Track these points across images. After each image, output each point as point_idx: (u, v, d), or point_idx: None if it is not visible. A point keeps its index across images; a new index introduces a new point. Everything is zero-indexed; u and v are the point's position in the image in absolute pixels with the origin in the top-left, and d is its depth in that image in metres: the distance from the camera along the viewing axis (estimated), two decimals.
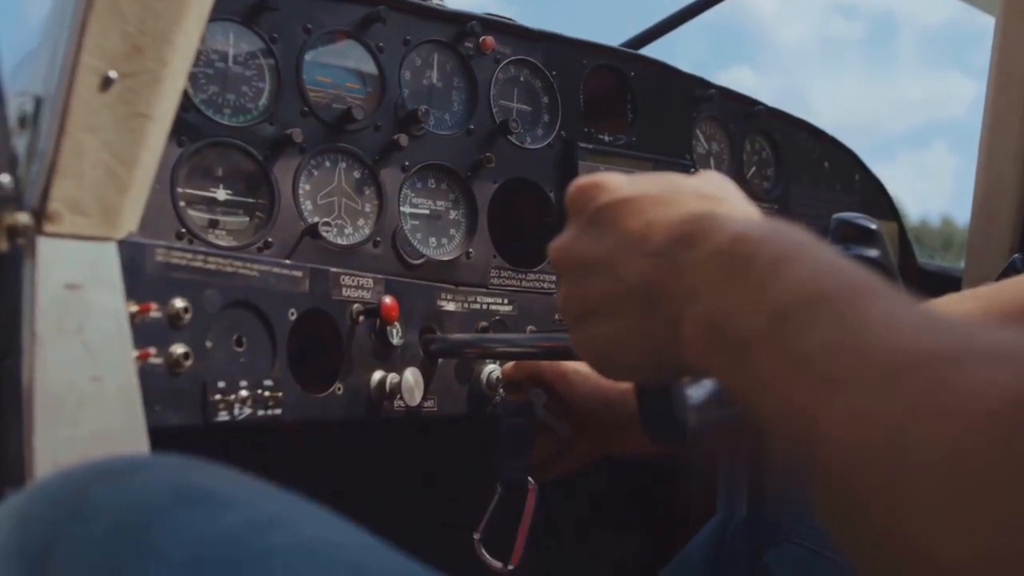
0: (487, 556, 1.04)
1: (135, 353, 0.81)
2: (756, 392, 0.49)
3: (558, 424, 1.06)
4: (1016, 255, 1.27)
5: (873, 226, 0.94)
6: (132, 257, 0.83)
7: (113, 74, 0.79)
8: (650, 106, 1.48)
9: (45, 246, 0.77)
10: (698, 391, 0.73)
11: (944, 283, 1.62)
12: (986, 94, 1.75)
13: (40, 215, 0.77)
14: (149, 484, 0.53)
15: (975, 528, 0.35)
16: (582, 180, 0.68)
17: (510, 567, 1.04)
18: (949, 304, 0.93)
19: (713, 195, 0.64)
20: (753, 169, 1.67)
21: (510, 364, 1.13)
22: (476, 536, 1.04)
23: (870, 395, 0.41)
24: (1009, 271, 1.26)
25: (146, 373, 0.84)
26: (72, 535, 0.51)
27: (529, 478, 1.05)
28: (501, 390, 1.15)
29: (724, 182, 0.67)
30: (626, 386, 0.95)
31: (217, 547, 0.47)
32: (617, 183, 0.65)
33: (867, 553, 0.41)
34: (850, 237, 0.94)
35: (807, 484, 0.46)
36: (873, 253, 0.93)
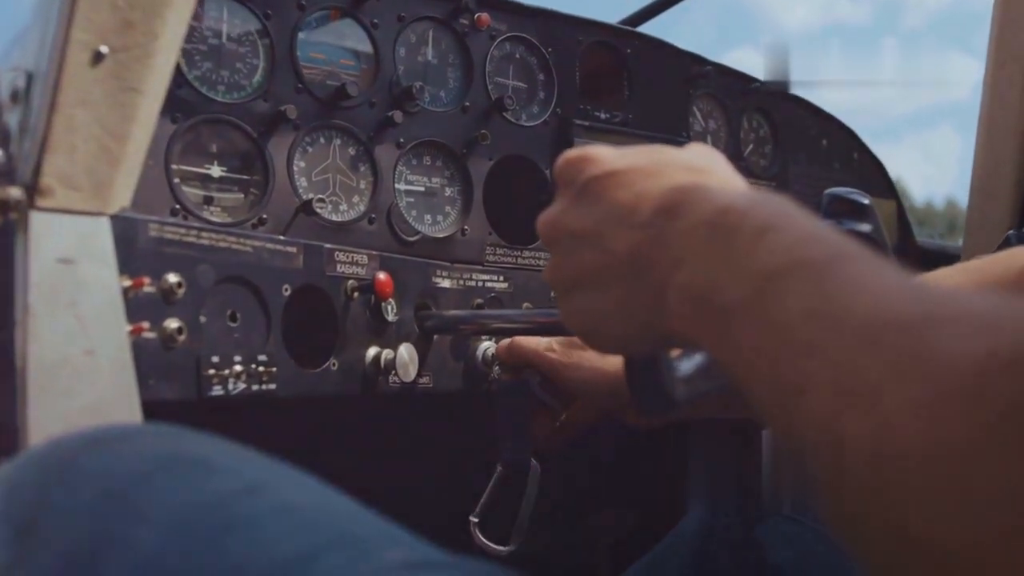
0: (483, 540, 1.04)
1: (128, 327, 0.82)
2: (739, 360, 0.49)
3: (553, 401, 1.06)
4: (1011, 231, 1.27)
5: (865, 201, 0.94)
6: (125, 232, 0.84)
7: (104, 49, 0.79)
8: (647, 83, 1.48)
9: (38, 221, 0.77)
10: (687, 363, 0.74)
11: (943, 261, 1.62)
12: (985, 71, 1.74)
13: (32, 190, 0.77)
14: (137, 451, 0.54)
15: (950, 487, 0.35)
16: (571, 153, 0.68)
17: (510, 548, 1.05)
18: (941, 277, 0.93)
19: (700, 167, 0.64)
20: (751, 147, 1.66)
21: (503, 346, 1.13)
22: (473, 519, 1.04)
23: (847, 358, 0.41)
24: (1004, 248, 1.26)
25: (140, 347, 0.84)
26: (60, 501, 0.51)
27: (532, 459, 1.05)
28: (496, 368, 1.16)
29: (712, 154, 0.68)
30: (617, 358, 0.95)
31: (202, 511, 0.48)
32: (605, 156, 0.65)
33: (851, 519, 0.41)
34: (842, 212, 0.94)
35: (793, 454, 0.46)
36: (865, 228, 0.93)
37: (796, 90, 1.81)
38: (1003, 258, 0.94)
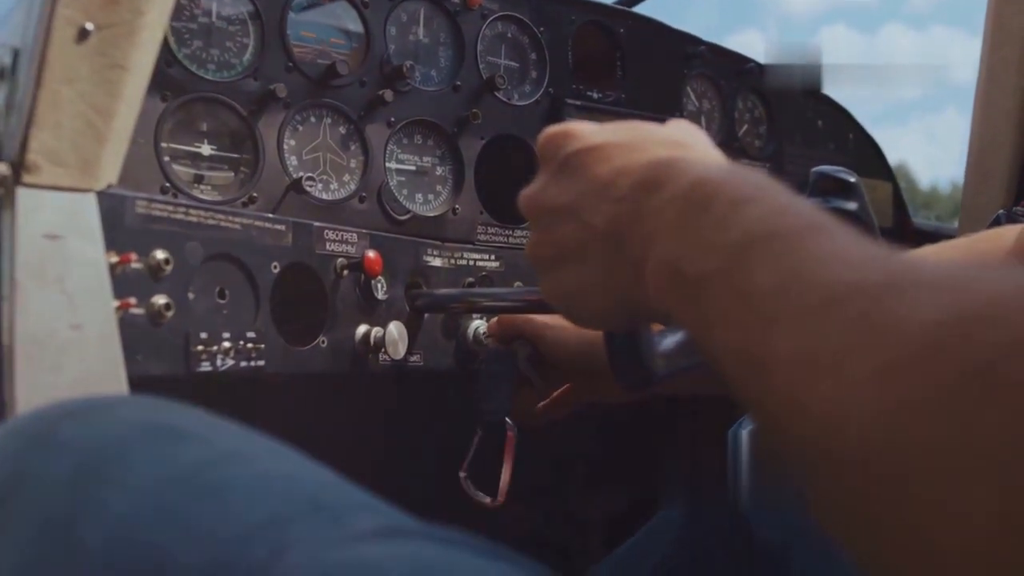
0: (474, 490, 1.05)
1: (115, 303, 0.82)
2: (710, 333, 0.50)
3: (537, 377, 1.07)
4: (1001, 211, 1.27)
5: (852, 179, 0.94)
6: (112, 208, 0.84)
7: (89, 25, 0.79)
8: (640, 63, 1.48)
9: (24, 197, 0.78)
10: (667, 338, 0.74)
11: (937, 242, 1.62)
12: (981, 51, 1.74)
13: (19, 166, 0.78)
14: (114, 422, 0.55)
15: (912, 452, 0.35)
16: (552, 129, 0.68)
17: (498, 501, 1.04)
18: (928, 254, 0.93)
19: (680, 142, 0.65)
20: (745, 127, 1.66)
21: (494, 321, 1.14)
22: (462, 474, 1.06)
23: (810, 325, 0.41)
24: (993, 227, 1.26)
25: (127, 323, 0.85)
26: (38, 471, 0.52)
27: (507, 419, 1.05)
28: (487, 342, 1.16)
29: (692, 129, 0.68)
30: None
31: (176, 479, 0.49)
32: (586, 131, 0.66)
33: (820, 491, 0.41)
34: (829, 190, 0.94)
35: (762, 428, 0.46)
36: (852, 206, 0.93)
37: (828, 90, 1.82)
38: (990, 236, 0.95)
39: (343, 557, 0.43)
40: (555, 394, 1.09)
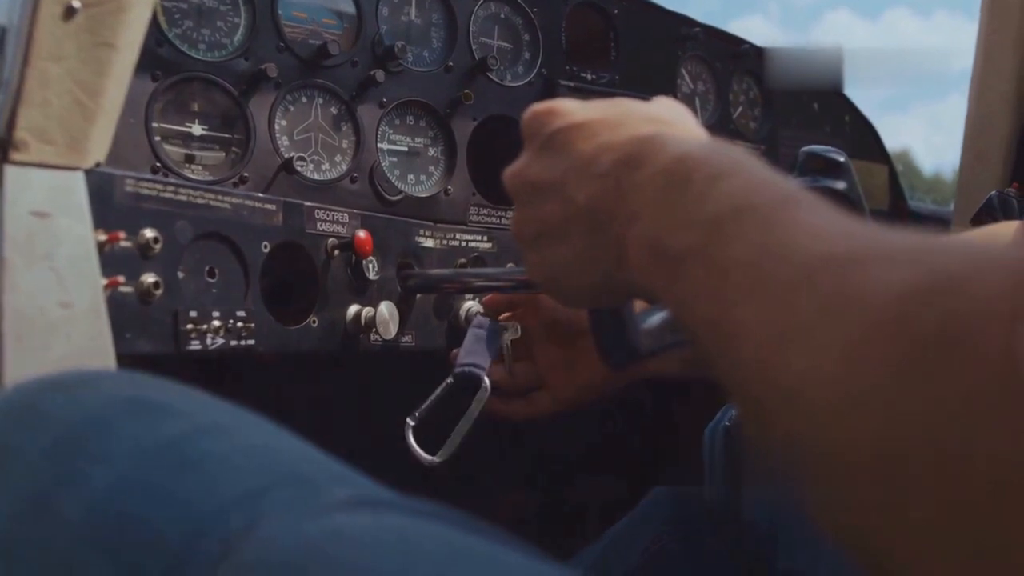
0: (413, 443, 1.01)
1: (104, 281, 0.82)
2: (687, 307, 0.50)
3: (511, 361, 1.06)
4: (993, 193, 1.27)
5: (840, 158, 0.94)
6: (100, 187, 0.84)
7: (76, 3, 0.79)
8: (634, 44, 1.47)
9: (12, 174, 0.78)
10: (652, 316, 0.75)
11: (935, 226, 1.62)
12: (978, 34, 1.74)
13: (6, 143, 0.78)
14: (96, 396, 0.55)
15: (868, 407, 0.36)
16: (537, 106, 0.69)
17: (437, 460, 1.01)
18: None
19: (663, 119, 0.65)
20: (740, 109, 1.66)
21: (491, 299, 1.14)
22: (409, 421, 1.02)
23: (781, 298, 0.42)
24: (986, 208, 1.26)
25: (116, 301, 0.85)
26: (19, 445, 0.52)
27: (484, 378, 1.03)
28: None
29: (675, 106, 0.68)
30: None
31: (156, 452, 0.49)
32: (570, 108, 0.66)
33: (787, 458, 0.42)
34: (818, 169, 0.94)
35: (732, 402, 0.47)
36: (840, 185, 0.94)
37: (848, 91, 1.82)
38: (985, 234, 0.95)
39: (318, 527, 0.43)
40: (530, 396, 1.09)
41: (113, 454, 0.49)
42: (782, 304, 0.42)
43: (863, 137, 1.87)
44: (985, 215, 1.25)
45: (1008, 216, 1.24)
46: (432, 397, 1.04)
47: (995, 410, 0.32)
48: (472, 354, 1.05)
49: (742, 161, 0.53)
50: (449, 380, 1.04)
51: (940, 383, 0.34)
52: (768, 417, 0.42)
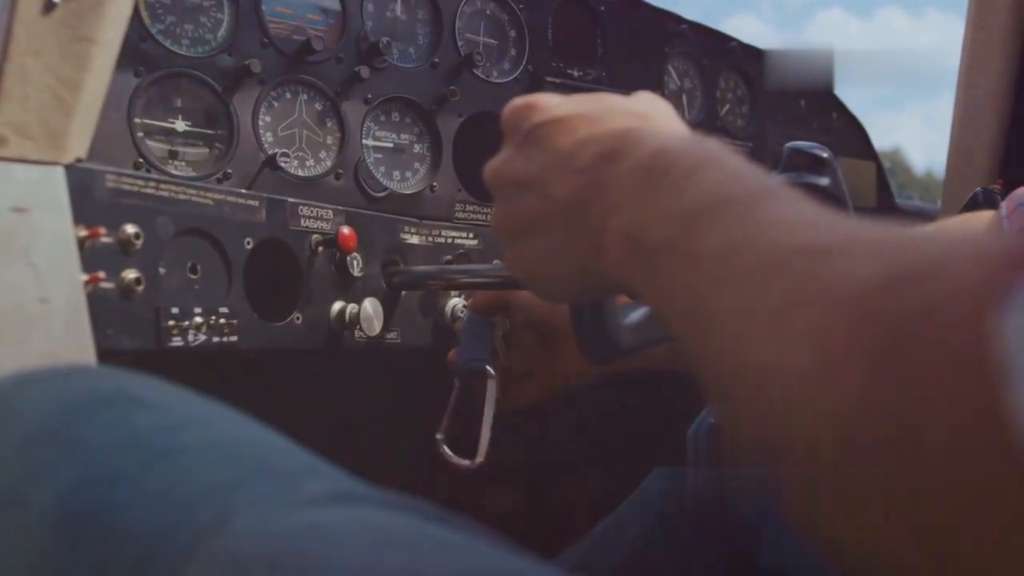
0: (450, 454, 1.01)
1: (84, 276, 0.82)
2: (665, 300, 0.50)
3: (506, 354, 1.05)
4: (978, 189, 1.27)
5: (824, 154, 0.94)
6: (81, 182, 0.84)
7: None
8: (620, 41, 1.47)
9: None
10: (634, 311, 0.74)
11: (921, 223, 1.62)
12: (965, 30, 1.74)
13: None
14: (69, 390, 0.55)
15: (837, 398, 0.36)
16: (517, 101, 0.69)
17: (477, 461, 1.00)
18: None
19: (642, 113, 0.65)
20: (727, 106, 1.66)
21: (479, 293, 1.13)
22: (439, 436, 1.02)
23: (752, 289, 0.42)
24: (971, 204, 1.26)
25: (97, 297, 0.85)
26: None
27: (488, 367, 1.01)
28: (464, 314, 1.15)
29: (656, 101, 0.68)
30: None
31: (129, 445, 0.49)
32: (550, 103, 0.66)
33: (757, 448, 0.42)
34: (802, 165, 0.94)
35: (706, 392, 0.47)
36: (824, 181, 0.94)
37: (839, 92, 1.82)
38: (959, 221, 0.95)
39: (291, 521, 0.43)
40: (529, 382, 1.09)
41: (84, 446, 0.49)
42: (753, 293, 0.42)
43: (851, 134, 1.88)
44: (970, 212, 1.25)
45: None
46: (450, 407, 1.03)
47: (964, 399, 0.32)
48: (470, 349, 1.03)
49: (720, 154, 0.53)
50: (457, 384, 1.03)
51: (909, 373, 0.34)
52: (740, 408, 0.43)
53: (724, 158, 0.52)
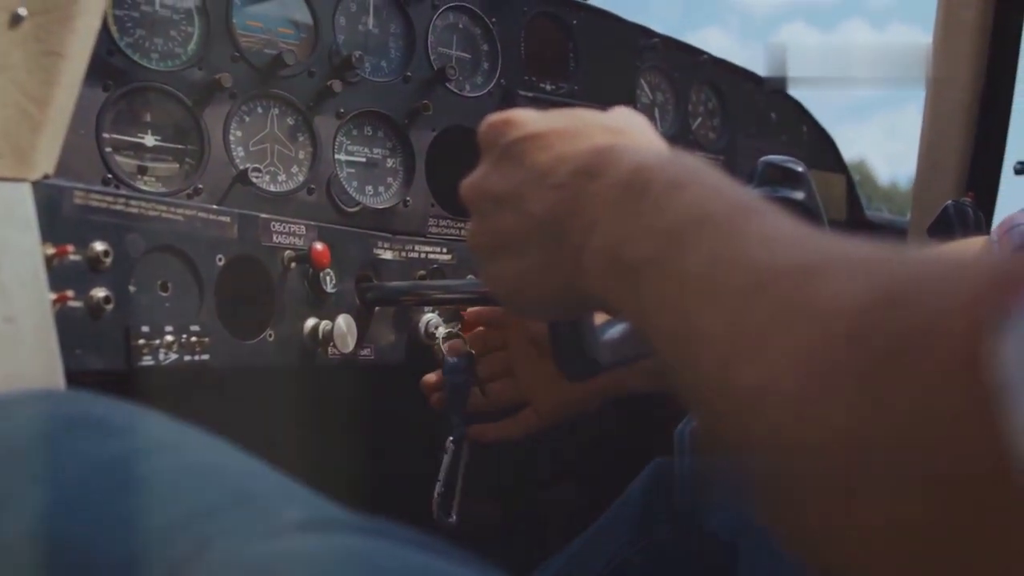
0: (442, 515, 1.06)
1: (52, 295, 0.80)
2: (646, 317, 0.50)
3: (483, 385, 1.09)
4: (949, 202, 1.28)
5: (799, 168, 0.95)
6: (48, 199, 0.82)
7: (23, 11, 0.77)
8: (593, 55, 1.47)
9: None
10: (612, 328, 0.74)
11: (891, 235, 1.63)
12: (932, 45, 1.76)
13: None
14: (36, 415, 0.53)
15: (825, 418, 0.36)
16: (493, 117, 0.68)
17: (452, 519, 1.06)
18: None
19: (620, 129, 0.64)
20: (699, 120, 1.67)
21: (472, 313, 1.14)
22: (436, 496, 1.06)
23: (737, 307, 0.41)
24: (942, 218, 1.27)
25: (65, 316, 0.83)
26: None
27: (465, 434, 1.08)
28: (442, 333, 1.15)
29: (633, 116, 0.68)
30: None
31: (100, 471, 0.47)
32: (527, 119, 0.66)
33: (742, 467, 0.41)
34: (776, 179, 0.95)
35: (691, 410, 0.46)
36: (799, 195, 0.94)
37: (793, 89, 1.83)
38: (949, 251, 0.96)
39: (269, 550, 0.42)
40: (518, 415, 1.11)
41: (52, 473, 0.48)
42: (737, 313, 0.41)
43: (820, 147, 1.89)
44: (942, 225, 1.26)
45: (964, 225, 1.25)
46: (443, 467, 1.06)
47: (955, 420, 0.32)
48: (453, 411, 1.08)
49: (700, 171, 0.52)
50: (450, 445, 1.07)
51: (899, 393, 0.33)
52: (725, 427, 0.42)
53: (705, 174, 0.52)
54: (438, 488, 1.05)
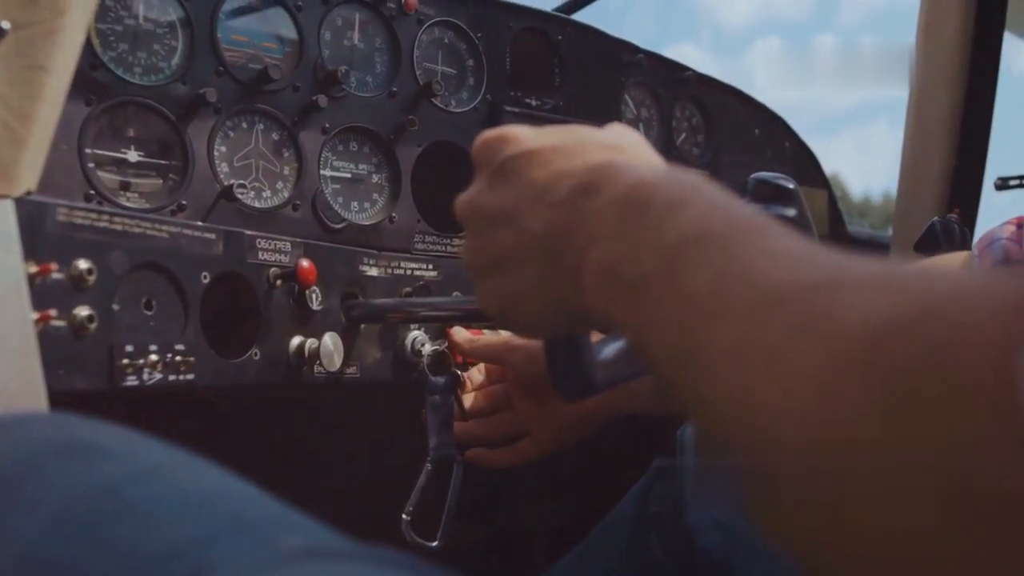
0: (415, 537, 1.04)
1: (35, 315, 0.79)
2: (648, 335, 0.49)
3: (462, 407, 1.11)
4: (935, 219, 1.28)
5: (790, 185, 0.94)
6: (31, 216, 0.81)
7: (6, 25, 0.76)
8: (578, 70, 1.47)
9: None
10: (608, 347, 0.73)
11: (873, 251, 1.63)
12: (914, 61, 1.77)
13: None
14: (26, 439, 0.52)
15: (842, 440, 0.35)
16: (488, 133, 0.67)
17: (434, 544, 1.04)
18: None
19: (617, 145, 0.64)
20: (683, 135, 1.67)
21: (467, 346, 1.14)
22: (405, 517, 1.04)
23: (749, 324, 0.41)
24: (928, 234, 1.28)
25: (48, 335, 0.81)
26: None
27: (456, 456, 1.07)
28: (427, 351, 1.14)
29: (629, 133, 0.67)
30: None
31: (92, 498, 0.46)
32: (522, 135, 0.65)
33: (763, 493, 0.41)
34: (768, 196, 0.94)
35: (702, 430, 0.45)
36: (790, 212, 0.93)
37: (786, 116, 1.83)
38: (936, 263, 0.96)
39: None
40: (515, 445, 1.12)
41: (44, 500, 0.46)
42: (749, 331, 0.41)
43: (802, 162, 1.89)
44: (928, 241, 1.26)
45: (950, 241, 1.25)
46: (417, 488, 1.05)
47: (984, 438, 0.31)
48: (438, 432, 1.07)
49: (701, 188, 0.52)
50: (428, 467, 1.06)
51: (924, 412, 0.33)
52: (736, 441, 0.41)
53: (706, 192, 0.51)
54: (407, 509, 1.04)
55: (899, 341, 0.34)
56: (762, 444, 0.39)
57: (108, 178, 1.01)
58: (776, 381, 0.38)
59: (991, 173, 1.78)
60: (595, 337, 0.73)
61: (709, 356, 0.42)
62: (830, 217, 1.95)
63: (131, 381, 0.89)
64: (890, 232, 1.95)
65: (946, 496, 0.32)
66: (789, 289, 0.40)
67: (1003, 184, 1.73)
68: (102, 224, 0.87)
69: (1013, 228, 0.93)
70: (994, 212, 1.86)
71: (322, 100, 1.16)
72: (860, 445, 0.34)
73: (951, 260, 0.94)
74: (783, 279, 0.41)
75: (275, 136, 1.14)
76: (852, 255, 0.42)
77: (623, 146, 0.64)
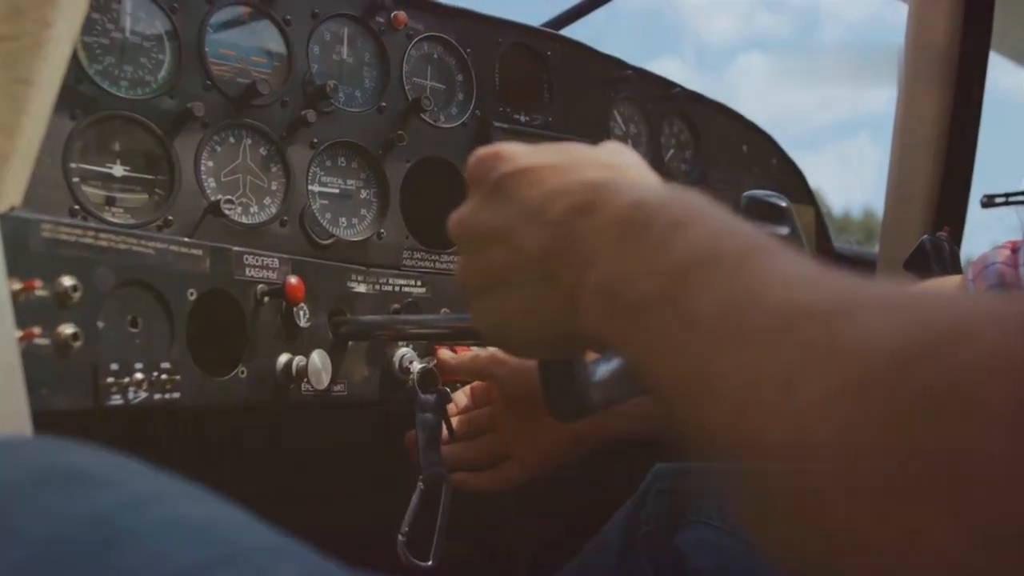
0: (410, 557, 1.03)
1: (18, 333, 0.77)
2: (649, 357, 0.48)
3: (450, 426, 1.10)
4: (925, 237, 1.28)
5: (783, 203, 0.94)
6: (15, 232, 0.79)
7: None
8: (567, 86, 1.46)
9: None
10: (603, 367, 0.72)
11: (860, 267, 1.64)
12: (901, 79, 1.77)
13: None
14: (13, 465, 0.50)
15: (859, 466, 0.34)
16: (482, 150, 0.66)
17: (428, 563, 1.04)
18: None
19: (613, 164, 0.63)
20: (671, 151, 1.67)
21: (453, 362, 1.13)
22: (401, 537, 1.03)
23: (758, 349, 0.40)
24: (918, 252, 1.28)
25: (31, 354, 0.80)
26: None
27: (445, 474, 1.07)
28: (416, 369, 1.13)
29: (625, 151, 0.67)
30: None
31: (83, 526, 0.44)
32: (517, 153, 0.64)
33: (767, 519, 0.40)
34: (760, 214, 0.94)
35: (702, 451, 0.45)
36: (783, 230, 0.93)
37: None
38: (932, 287, 0.96)
39: None
40: (500, 468, 1.11)
41: (32, 530, 0.45)
42: (758, 355, 0.40)
43: (789, 179, 1.90)
44: (918, 259, 1.26)
45: (940, 259, 1.25)
46: (411, 508, 1.05)
47: (1005, 464, 0.31)
48: (428, 451, 1.07)
49: (703, 208, 0.51)
50: (420, 487, 1.06)
51: (944, 437, 0.32)
52: (743, 466, 0.41)
53: (709, 212, 0.50)
54: (403, 529, 1.04)
55: (917, 365, 0.34)
56: (770, 466, 0.38)
57: (93, 193, 1.00)
58: (786, 404, 0.38)
59: (976, 191, 1.79)
60: (590, 356, 0.73)
61: (716, 380, 0.42)
62: (817, 234, 1.95)
63: (116, 400, 0.87)
64: (876, 248, 1.96)
65: (964, 521, 0.31)
66: (803, 313, 0.40)
67: (989, 202, 1.74)
68: (87, 240, 0.86)
69: (1008, 252, 0.93)
70: (979, 230, 1.87)
71: (310, 115, 1.14)
72: (877, 469, 0.34)
73: (945, 284, 0.93)
74: (793, 303, 0.41)
75: (263, 151, 1.13)
76: (862, 278, 0.41)
77: (619, 165, 0.64)
